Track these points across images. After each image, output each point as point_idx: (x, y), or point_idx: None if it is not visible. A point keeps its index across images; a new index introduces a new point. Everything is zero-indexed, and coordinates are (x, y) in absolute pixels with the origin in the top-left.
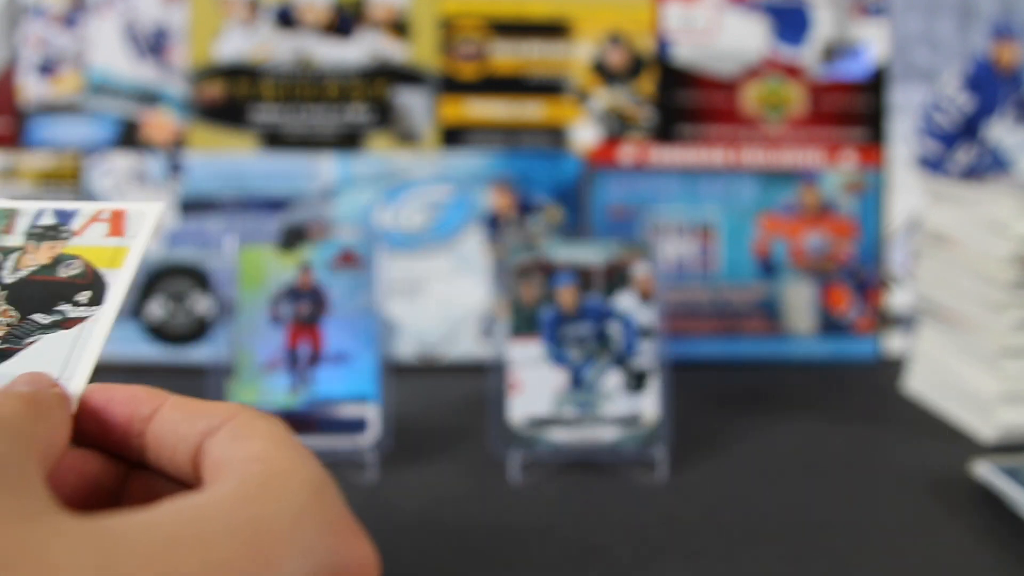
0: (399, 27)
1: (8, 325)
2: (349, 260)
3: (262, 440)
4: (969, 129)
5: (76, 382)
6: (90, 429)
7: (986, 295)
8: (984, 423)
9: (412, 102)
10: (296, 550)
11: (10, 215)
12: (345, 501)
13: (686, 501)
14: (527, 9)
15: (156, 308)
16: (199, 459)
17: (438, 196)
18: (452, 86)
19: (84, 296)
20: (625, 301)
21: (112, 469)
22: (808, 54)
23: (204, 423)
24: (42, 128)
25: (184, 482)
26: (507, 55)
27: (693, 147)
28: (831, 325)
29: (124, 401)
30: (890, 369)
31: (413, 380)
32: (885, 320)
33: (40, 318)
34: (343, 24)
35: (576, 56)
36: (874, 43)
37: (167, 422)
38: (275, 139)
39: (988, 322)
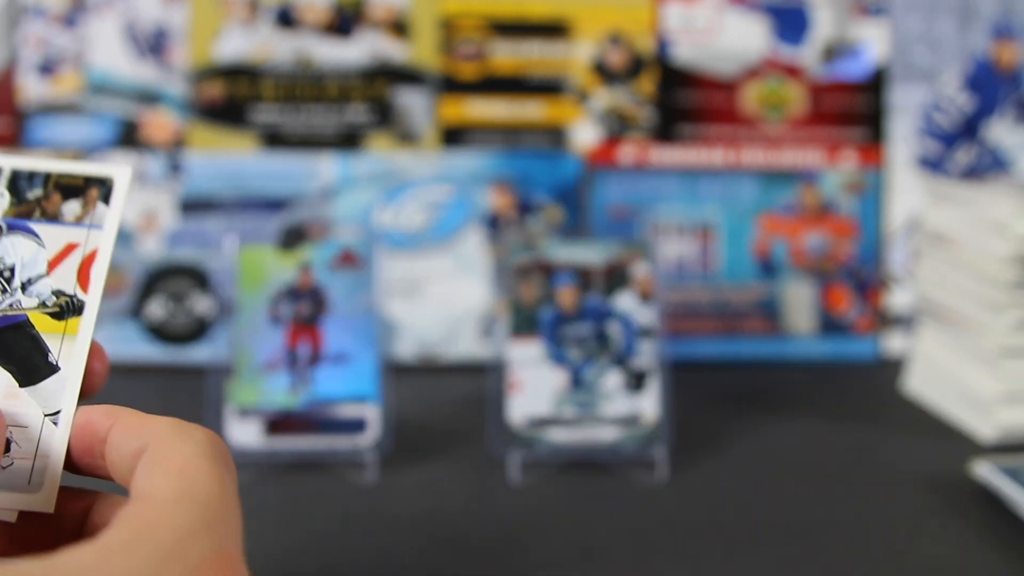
0: (399, 27)
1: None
2: (349, 260)
3: (166, 474)
4: (969, 129)
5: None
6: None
7: (986, 295)
8: (984, 423)
9: (412, 102)
10: None
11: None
12: (239, 538)
13: (686, 501)
14: (527, 9)
15: (156, 308)
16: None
17: (438, 196)
18: (452, 86)
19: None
20: (625, 301)
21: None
22: (808, 54)
23: (137, 443)
24: (42, 128)
25: None
26: (507, 55)
27: (693, 147)
28: (831, 325)
29: (81, 425)
30: (890, 369)
31: (413, 380)
32: (885, 320)
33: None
34: (343, 24)
35: (576, 56)
36: (874, 43)
37: (115, 444)
38: (275, 139)
39: (988, 322)
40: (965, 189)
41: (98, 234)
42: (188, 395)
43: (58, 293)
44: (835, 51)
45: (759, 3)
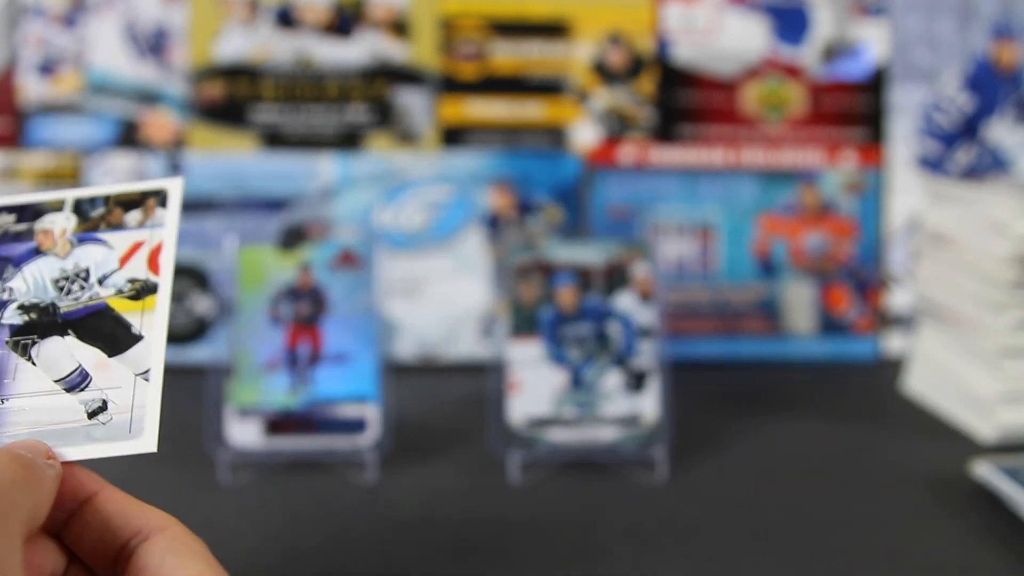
0: (399, 27)
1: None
2: (349, 260)
3: (199, 562)
4: (969, 129)
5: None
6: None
7: (986, 295)
8: (984, 423)
9: (412, 102)
10: None
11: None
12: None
13: (686, 501)
14: (527, 9)
15: None
16: (126, 560)
17: (438, 196)
18: (452, 86)
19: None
20: (625, 301)
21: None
22: (808, 54)
23: (137, 523)
24: (42, 128)
25: (98, 572)
26: (507, 55)
27: (693, 147)
28: (831, 325)
29: (65, 476)
30: (890, 369)
31: (413, 380)
32: (885, 320)
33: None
34: (343, 24)
35: (576, 56)
36: (874, 43)
37: (100, 512)
38: (275, 139)
39: (988, 322)
40: (965, 189)
41: (160, 231)
42: (188, 395)
43: (132, 280)
44: (835, 51)
45: (759, 3)
